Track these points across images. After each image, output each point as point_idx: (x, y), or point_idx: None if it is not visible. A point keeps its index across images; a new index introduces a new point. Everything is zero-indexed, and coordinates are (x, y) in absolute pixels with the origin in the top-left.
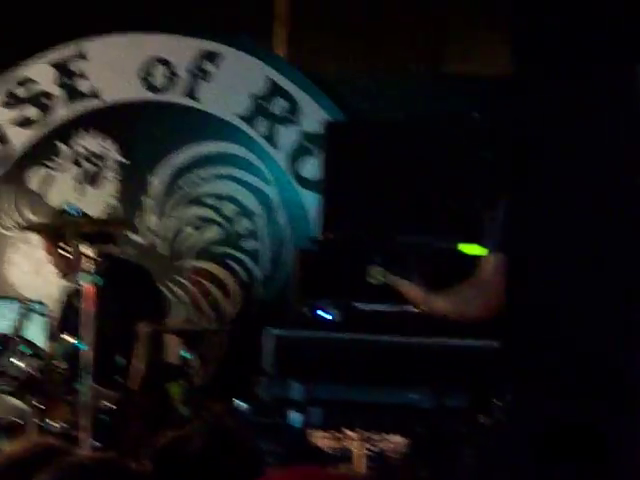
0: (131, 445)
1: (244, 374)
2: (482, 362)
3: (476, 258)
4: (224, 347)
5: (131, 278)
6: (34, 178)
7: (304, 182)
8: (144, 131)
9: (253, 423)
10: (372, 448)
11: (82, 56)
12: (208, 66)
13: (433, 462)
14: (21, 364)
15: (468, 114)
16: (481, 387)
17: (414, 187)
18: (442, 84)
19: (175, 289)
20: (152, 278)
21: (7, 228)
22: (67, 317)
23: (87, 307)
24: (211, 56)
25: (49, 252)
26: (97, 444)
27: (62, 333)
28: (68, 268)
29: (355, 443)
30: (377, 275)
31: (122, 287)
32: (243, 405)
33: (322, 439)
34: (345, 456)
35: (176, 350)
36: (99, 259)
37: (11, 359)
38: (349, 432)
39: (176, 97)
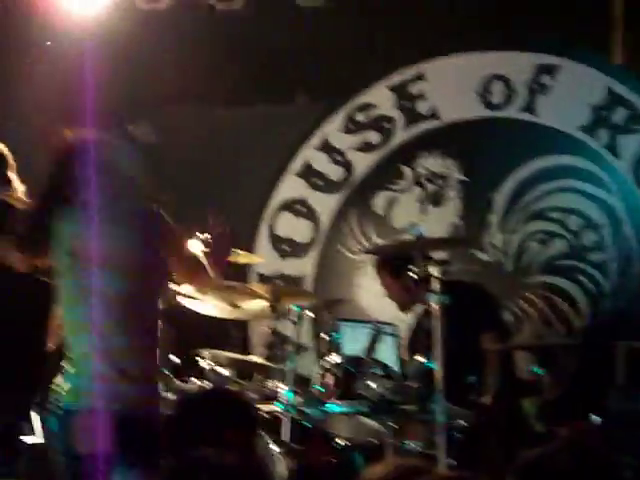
0: (487, 463)
1: (596, 388)
2: None
3: None
4: (575, 361)
5: (472, 296)
6: (378, 201)
7: None
8: (484, 148)
9: (609, 438)
10: None
11: (421, 78)
12: (545, 79)
13: None
14: (375, 386)
15: None
16: None
17: None
18: None
19: (523, 305)
20: (491, 295)
21: (354, 252)
22: (417, 337)
23: (437, 327)
24: (548, 69)
25: (387, 286)
26: (453, 462)
27: (414, 354)
28: (408, 297)
29: None
30: None
31: (466, 306)
32: (598, 420)
33: None
34: None
35: (527, 366)
36: (445, 279)
37: (365, 381)
38: None
39: (514, 113)
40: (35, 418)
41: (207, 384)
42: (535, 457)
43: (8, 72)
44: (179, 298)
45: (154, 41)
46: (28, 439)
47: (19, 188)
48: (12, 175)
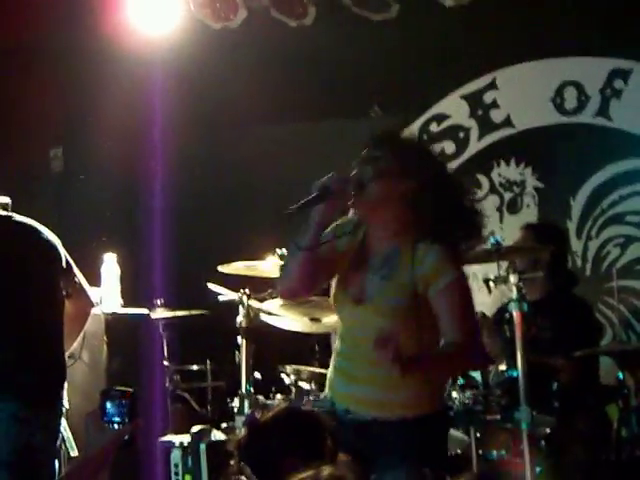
0: (572, 470)
1: None
2: None
3: None
4: None
5: (565, 304)
6: None
7: None
8: (559, 155)
9: None
10: None
11: (494, 86)
12: (619, 84)
13: None
14: (458, 395)
15: None
16: None
17: None
18: None
19: (604, 310)
20: (583, 301)
21: None
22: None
23: (518, 334)
24: (621, 74)
25: None
26: (538, 470)
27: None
28: None
29: None
30: None
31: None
32: None
33: None
34: None
35: (611, 372)
36: (524, 286)
37: (449, 391)
38: None
39: (588, 118)
40: None
41: (291, 399)
42: None
43: (79, 93)
44: (261, 315)
45: (226, 59)
46: None
47: None
48: None
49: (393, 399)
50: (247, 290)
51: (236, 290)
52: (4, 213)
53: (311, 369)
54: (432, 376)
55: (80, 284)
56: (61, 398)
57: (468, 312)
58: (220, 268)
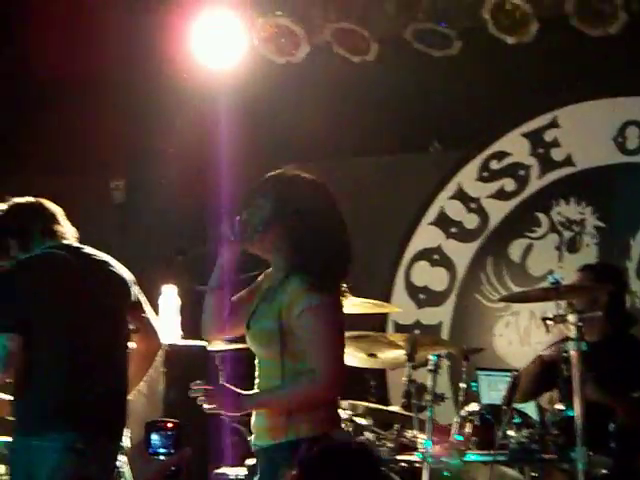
0: None
1: None
2: None
3: None
4: None
5: (622, 344)
6: (514, 249)
7: None
8: (620, 194)
9: None
10: None
11: (555, 125)
12: None
13: None
14: (514, 434)
15: None
16: None
17: None
18: None
19: None
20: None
21: (491, 300)
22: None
23: (576, 373)
24: None
25: None
26: None
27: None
28: None
29: None
30: None
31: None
32: None
33: None
34: None
35: None
36: (582, 326)
37: (504, 430)
38: None
39: None
40: None
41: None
42: None
43: (143, 126)
44: None
45: (289, 94)
46: None
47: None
48: (60, 227)
49: (263, 425)
50: None
51: None
52: (76, 245)
53: (367, 404)
54: (275, 410)
55: (149, 321)
56: (121, 434)
57: (326, 339)
58: None
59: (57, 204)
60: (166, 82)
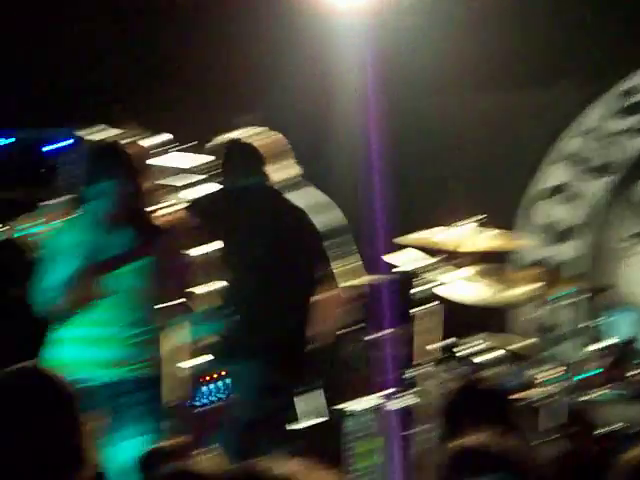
0: None
1: None
2: None
3: None
4: None
5: None
6: None
7: None
8: None
9: None
10: None
11: None
12: None
13: None
14: None
15: None
16: None
17: None
18: None
19: None
20: None
21: (620, 238)
22: None
23: None
24: None
25: None
26: None
27: None
28: None
29: None
30: None
31: None
32: None
33: None
34: None
35: None
36: None
37: (634, 367)
38: None
39: None
40: None
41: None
42: None
43: (267, 60)
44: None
45: (422, 26)
46: None
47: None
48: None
49: None
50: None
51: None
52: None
53: (503, 336)
54: None
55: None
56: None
57: None
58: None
59: None
60: (293, 13)
